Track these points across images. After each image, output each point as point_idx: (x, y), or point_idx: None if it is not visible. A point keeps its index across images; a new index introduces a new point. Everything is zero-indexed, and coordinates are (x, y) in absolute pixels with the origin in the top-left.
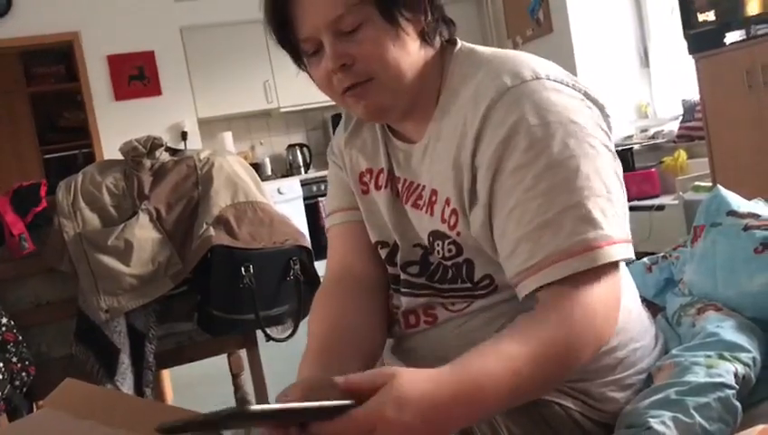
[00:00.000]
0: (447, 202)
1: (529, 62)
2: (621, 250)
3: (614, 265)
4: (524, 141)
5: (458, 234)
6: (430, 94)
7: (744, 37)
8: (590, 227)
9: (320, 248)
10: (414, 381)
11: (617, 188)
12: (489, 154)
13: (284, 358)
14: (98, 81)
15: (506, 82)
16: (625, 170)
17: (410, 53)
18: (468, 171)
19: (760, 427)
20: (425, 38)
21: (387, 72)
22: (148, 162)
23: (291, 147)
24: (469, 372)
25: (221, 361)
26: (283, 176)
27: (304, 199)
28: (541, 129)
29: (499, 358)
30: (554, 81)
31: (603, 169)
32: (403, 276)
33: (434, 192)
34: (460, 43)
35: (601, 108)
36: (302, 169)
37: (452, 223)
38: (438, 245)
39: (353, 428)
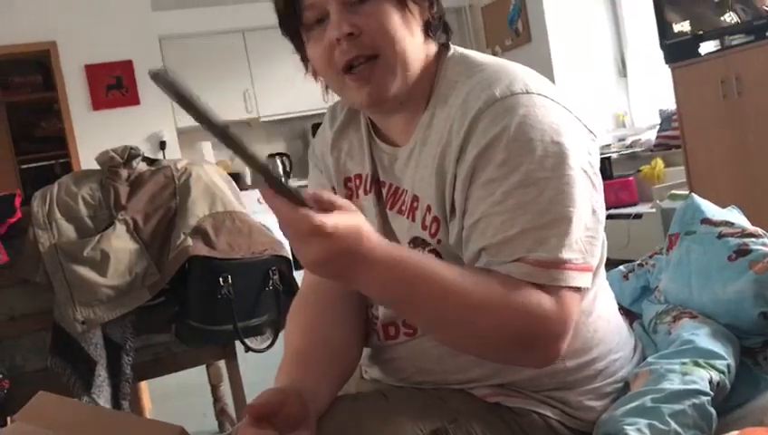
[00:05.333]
0: (429, 209)
1: (523, 75)
2: (572, 276)
3: (569, 290)
4: (501, 155)
5: (438, 242)
6: (423, 92)
7: (719, 48)
8: (546, 250)
9: None
10: (374, 233)
11: (586, 214)
12: (467, 165)
13: (264, 368)
14: (75, 90)
15: (496, 93)
16: (603, 179)
17: (415, 37)
18: (451, 180)
19: (734, 433)
20: (428, 31)
21: (393, 48)
22: (125, 172)
23: (271, 156)
24: (424, 259)
25: (200, 372)
26: None
27: None
28: (520, 144)
29: (456, 272)
30: (545, 97)
31: (575, 194)
32: None
33: (415, 198)
34: (453, 48)
35: (589, 132)
36: (283, 179)
37: (433, 230)
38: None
39: (305, 221)
